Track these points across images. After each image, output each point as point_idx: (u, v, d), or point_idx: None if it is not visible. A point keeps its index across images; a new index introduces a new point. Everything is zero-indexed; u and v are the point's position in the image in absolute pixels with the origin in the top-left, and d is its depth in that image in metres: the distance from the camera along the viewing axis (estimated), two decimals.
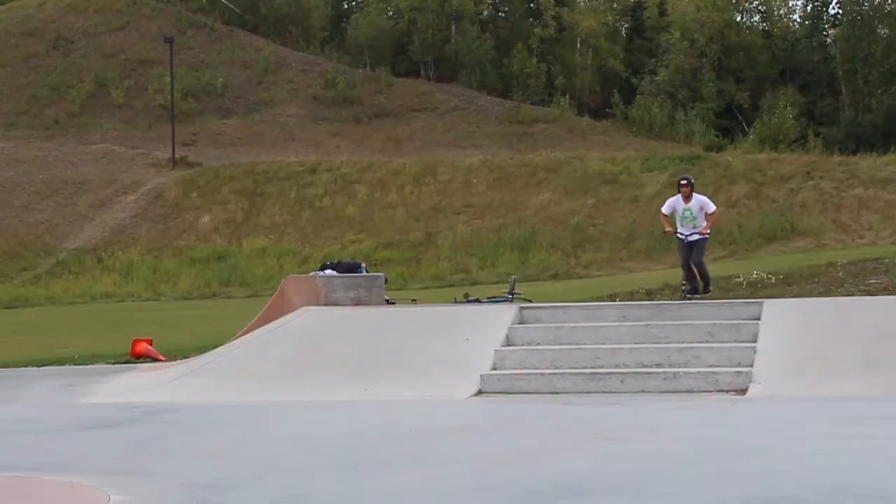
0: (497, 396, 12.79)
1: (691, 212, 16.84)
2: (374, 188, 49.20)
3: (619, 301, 19.92)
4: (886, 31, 72.62)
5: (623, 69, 75.94)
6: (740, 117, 70.46)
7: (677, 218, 17.12)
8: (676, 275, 28.73)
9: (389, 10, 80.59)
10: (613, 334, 13.92)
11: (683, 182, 17.10)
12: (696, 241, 16.82)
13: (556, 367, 13.29)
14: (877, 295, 18.47)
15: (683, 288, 17.25)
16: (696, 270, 16.98)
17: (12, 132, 61.47)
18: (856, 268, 23.79)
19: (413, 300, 19.90)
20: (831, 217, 41.14)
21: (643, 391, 12.53)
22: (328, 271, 17.42)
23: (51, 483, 8.37)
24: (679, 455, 8.63)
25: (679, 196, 17.06)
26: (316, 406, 12.38)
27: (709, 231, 16.98)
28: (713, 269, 30.83)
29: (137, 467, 8.93)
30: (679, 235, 16.96)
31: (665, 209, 17.34)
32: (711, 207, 17.06)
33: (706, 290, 17.05)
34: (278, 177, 51.10)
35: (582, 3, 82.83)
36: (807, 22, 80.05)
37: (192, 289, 38.95)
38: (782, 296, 18.91)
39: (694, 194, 16.99)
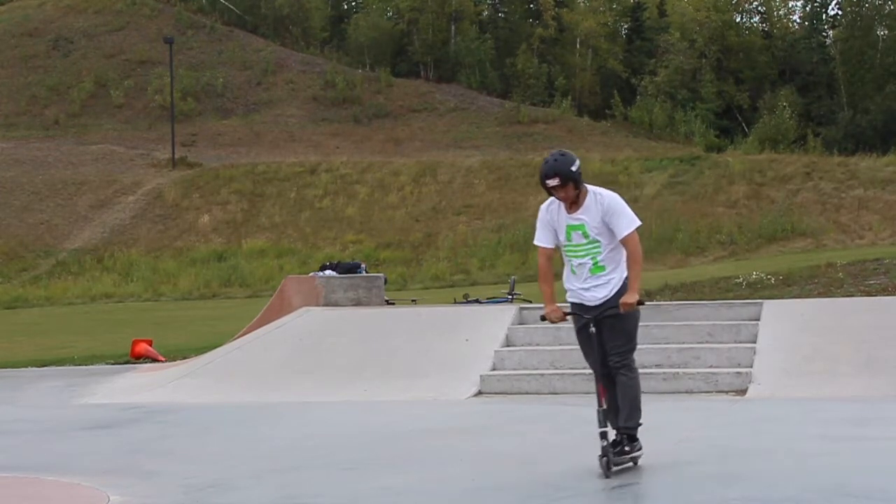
0: (497, 397, 12.78)
1: (585, 232, 8.09)
2: (373, 189, 49.21)
3: None
4: (885, 31, 72.68)
5: (623, 70, 75.98)
6: (740, 118, 70.52)
7: (564, 256, 8.34)
8: (676, 276, 28.75)
9: (389, 11, 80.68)
10: None
11: (553, 182, 7.91)
12: (609, 316, 8.04)
13: (556, 368, 13.28)
14: (876, 295, 18.46)
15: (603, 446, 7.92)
16: (616, 385, 8.18)
17: (12, 132, 61.50)
18: (855, 268, 23.76)
19: (413, 301, 19.89)
20: (831, 218, 41.13)
21: (643, 392, 12.48)
22: (328, 272, 17.42)
23: (50, 483, 8.38)
24: (678, 456, 8.64)
25: (555, 202, 8.17)
26: (315, 407, 12.38)
27: (636, 298, 7.96)
28: (714, 270, 30.89)
29: (137, 468, 8.93)
30: (572, 304, 8.34)
31: (540, 238, 8.27)
32: (626, 223, 8.04)
33: (630, 435, 8.20)
34: (278, 177, 51.11)
35: (581, 4, 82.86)
36: (806, 23, 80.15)
37: (191, 289, 38.96)
38: (782, 296, 18.90)
39: (592, 192, 8.12)
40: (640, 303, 8.07)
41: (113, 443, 10.38)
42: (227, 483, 8.19)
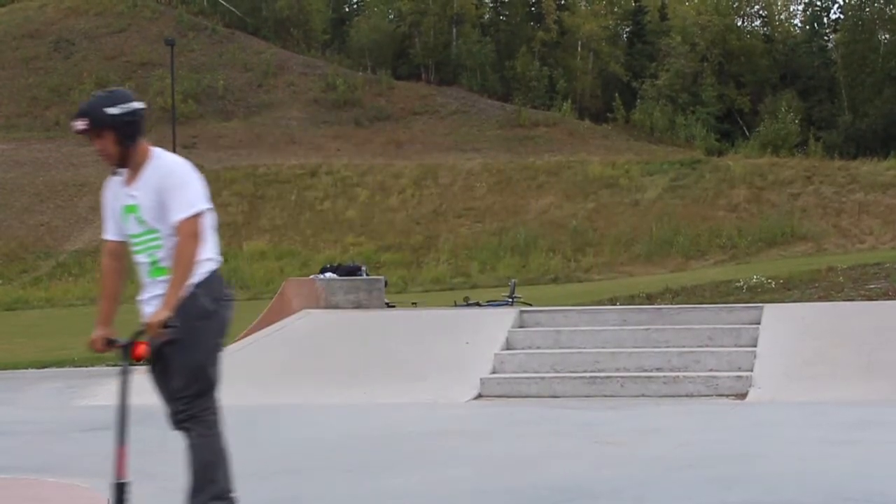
0: (497, 400, 12.78)
1: (139, 215, 5.77)
2: (374, 191, 49.23)
3: (620, 305, 19.92)
4: (887, 36, 72.71)
5: (624, 73, 75.99)
6: (741, 121, 70.52)
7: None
8: (676, 279, 28.74)
9: (391, 14, 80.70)
10: (614, 338, 13.91)
11: (80, 125, 5.67)
12: (165, 343, 5.67)
13: (556, 371, 13.28)
14: (877, 300, 18.47)
15: None
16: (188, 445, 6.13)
17: (13, 134, 61.54)
18: (856, 272, 23.79)
19: (413, 303, 19.90)
20: (832, 222, 41.16)
21: (643, 395, 12.52)
22: (328, 274, 17.43)
23: (50, 485, 8.37)
24: (679, 459, 8.63)
25: (116, 179, 5.90)
26: (315, 409, 12.37)
27: (164, 316, 5.52)
28: (714, 273, 30.88)
29: (137, 469, 8.88)
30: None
31: (105, 228, 5.95)
32: (184, 203, 5.64)
33: None
34: (279, 179, 51.15)
35: (583, 7, 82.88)
36: (807, 26, 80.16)
37: None
38: (782, 300, 18.92)
39: (156, 157, 5.77)
40: (167, 325, 5.48)
41: (112, 445, 10.36)
42: None
